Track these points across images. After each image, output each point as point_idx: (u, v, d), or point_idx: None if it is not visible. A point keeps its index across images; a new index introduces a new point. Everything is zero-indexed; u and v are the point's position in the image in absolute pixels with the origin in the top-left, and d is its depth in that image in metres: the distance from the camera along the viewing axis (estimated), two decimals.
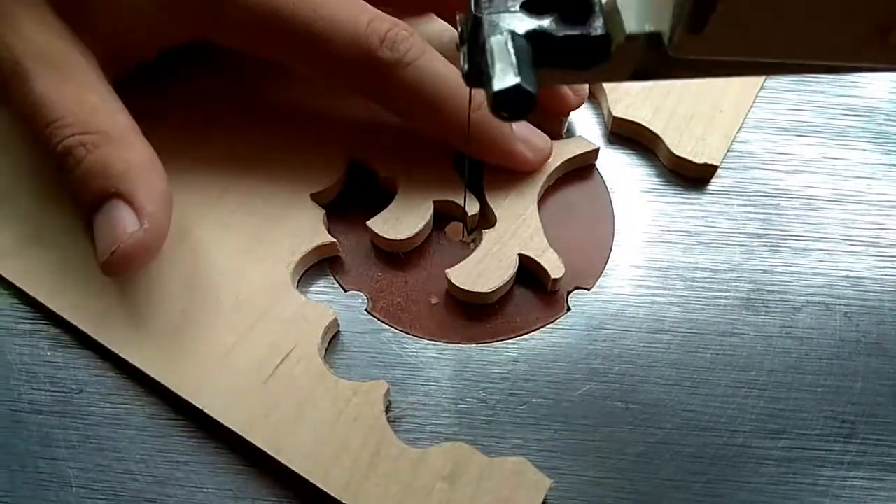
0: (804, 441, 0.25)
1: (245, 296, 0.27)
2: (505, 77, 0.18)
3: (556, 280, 0.27)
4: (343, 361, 0.26)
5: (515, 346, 0.27)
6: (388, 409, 0.25)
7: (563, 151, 0.30)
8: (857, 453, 0.25)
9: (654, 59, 0.19)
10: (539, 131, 0.30)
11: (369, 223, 0.28)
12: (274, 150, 0.30)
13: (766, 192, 0.31)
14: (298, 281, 0.28)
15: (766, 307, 0.28)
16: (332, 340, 0.27)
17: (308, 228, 0.28)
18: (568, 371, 0.26)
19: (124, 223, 0.24)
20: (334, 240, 0.28)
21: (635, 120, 0.31)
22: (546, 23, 0.20)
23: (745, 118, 0.32)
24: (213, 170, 0.29)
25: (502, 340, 0.27)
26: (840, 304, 0.28)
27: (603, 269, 0.29)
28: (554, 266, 0.27)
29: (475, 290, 0.27)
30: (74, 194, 0.26)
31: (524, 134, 0.29)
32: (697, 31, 0.18)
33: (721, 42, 0.18)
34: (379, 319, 0.27)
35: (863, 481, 0.24)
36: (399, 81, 0.27)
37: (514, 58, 0.18)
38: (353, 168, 0.30)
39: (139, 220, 0.25)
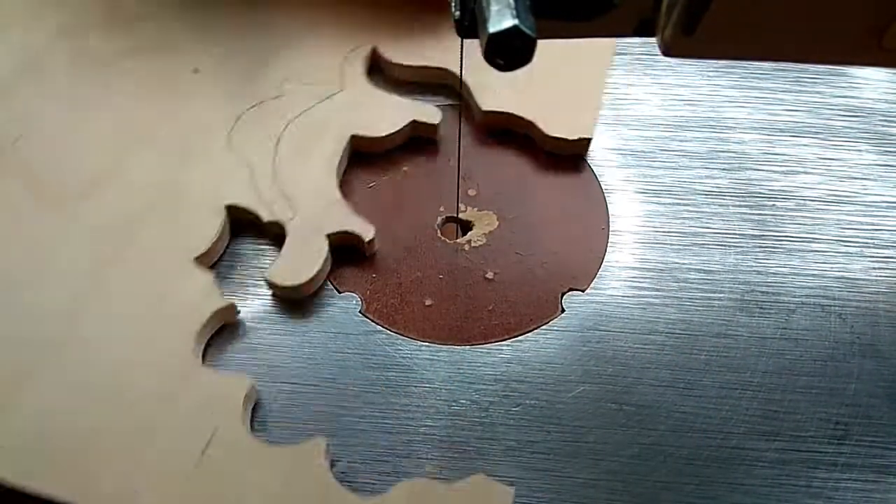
0: (798, 443, 0.25)
1: (148, 388, 0.24)
2: (502, 19, 0.17)
3: (370, 242, 0.28)
4: (337, 363, 0.26)
5: (509, 348, 0.27)
6: (332, 465, 0.24)
7: (398, 116, 0.31)
8: (850, 455, 0.25)
9: (659, 15, 0.18)
10: None
11: (267, 276, 0.27)
12: (138, 219, 0.28)
13: (760, 193, 0.31)
14: (204, 353, 0.26)
15: (761, 308, 0.28)
16: (326, 342, 0.27)
17: (199, 296, 0.26)
18: (561, 373, 0.26)
19: None
20: (231, 302, 0.26)
21: (506, 111, 0.32)
22: None
23: (603, 88, 0.33)
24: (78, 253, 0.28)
25: (496, 342, 0.27)
26: (835, 306, 0.28)
27: (597, 271, 0.29)
28: (363, 228, 0.28)
29: (294, 284, 0.27)
30: None
31: None
32: (689, 34, 0.18)
33: (713, 43, 0.18)
34: (373, 321, 0.27)
35: (856, 483, 0.24)
36: None
37: (512, 0, 0.17)
38: (234, 219, 0.29)
39: None
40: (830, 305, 0.28)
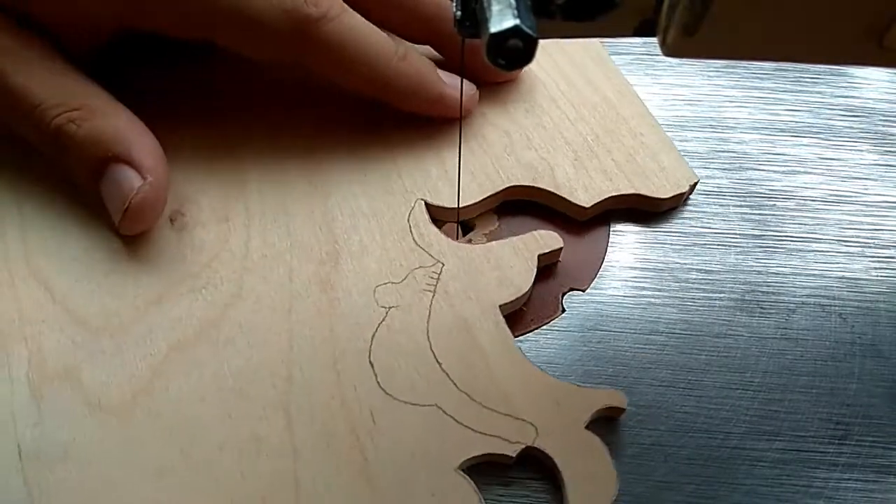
0: (799, 443, 0.25)
1: None
2: (503, 19, 0.17)
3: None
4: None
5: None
6: None
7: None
8: (851, 455, 0.25)
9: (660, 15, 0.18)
10: (465, 80, 0.29)
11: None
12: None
13: (761, 193, 0.31)
14: None
15: (761, 308, 0.28)
16: None
17: None
18: (562, 373, 0.26)
19: (129, 182, 0.26)
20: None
21: (604, 197, 0.29)
22: None
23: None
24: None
25: None
26: (835, 306, 0.28)
27: (598, 271, 0.29)
28: (611, 399, 0.25)
29: None
30: (73, 171, 0.27)
31: (450, 80, 0.29)
32: (690, 34, 0.18)
33: (714, 43, 0.18)
34: None
35: (857, 483, 0.24)
36: (324, 37, 0.27)
37: (513, 0, 0.17)
38: None
39: (142, 175, 0.26)
40: (831, 305, 0.28)
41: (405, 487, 0.23)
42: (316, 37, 0.27)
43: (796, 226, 0.30)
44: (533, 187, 0.29)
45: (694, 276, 0.28)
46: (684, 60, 0.33)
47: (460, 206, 0.28)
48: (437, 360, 0.25)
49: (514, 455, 0.23)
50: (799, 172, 0.31)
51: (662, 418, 0.25)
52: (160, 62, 0.32)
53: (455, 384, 0.24)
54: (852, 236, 0.29)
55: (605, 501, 0.23)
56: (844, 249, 0.29)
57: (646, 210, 0.30)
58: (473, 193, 0.29)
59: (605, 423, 0.25)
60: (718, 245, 0.29)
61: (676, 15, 0.17)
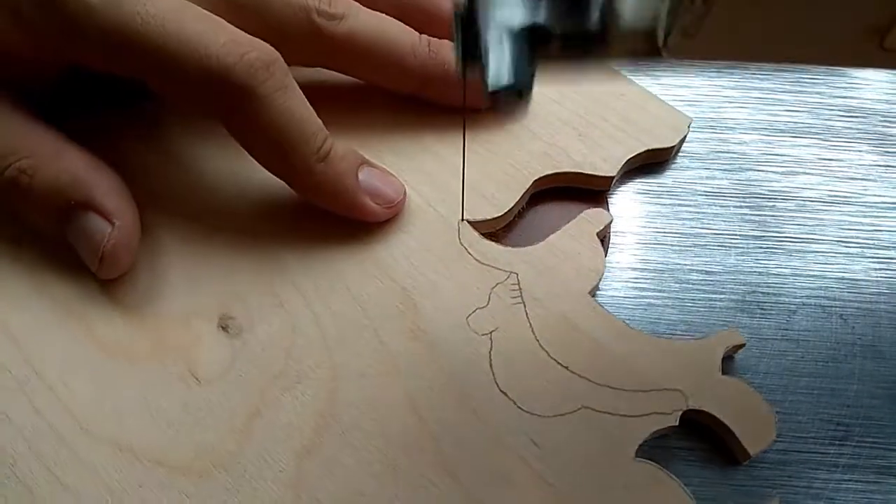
0: (799, 444, 0.25)
1: None
2: (499, 76, 0.18)
3: None
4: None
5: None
6: None
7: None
8: (852, 456, 0.25)
9: (652, 48, 0.19)
10: (392, 180, 0.28)
11: None
12: None
13: (761, 194, 0.31)
14: None
15: (762, 309, 0.28)
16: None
17: None
18: None
19: (98, 230, 0.25)
20: None
21: (625, 160, 0.30)
22: (541, 16, 0.19)
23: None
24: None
25: None
26: (836, 307, 0.28)
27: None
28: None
29: None
30: (35, 221, 0.26)
31: (373, 186, 0.27)
32: (691, 36, 0.18)
33: (714, 45, 0.18)
34: None
35: (858, 484, 0.24)
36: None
37: (508, 55, 0.18)
38: None
39: (108, 221, 0.25)
40: (831, 306, 0.28)
41: (597, 494, 0.23)
42: (246, 108, 0.24)
43: (796, 227, 0.30)
44: (558, 173, 0.29)
45: (694, 277, 0.28)
46: (684, 61, 0.33)
47: (502, 214, 0.28)
48: (563, 365, 0.25)
49: (677, 423, 0.24)
50: (798, 173, 0.31)
51: None
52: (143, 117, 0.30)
53: (590, 380, 0.24)
54: (852, 237, 0.29)
55: (770, 433, 0.24)
56: (844, 250, 0.29)
57: (656, 161, 0.31)
58: (508, 198, 0.28)
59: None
60: (719, 246, 0.29)
61: (677, 17, 0.17)
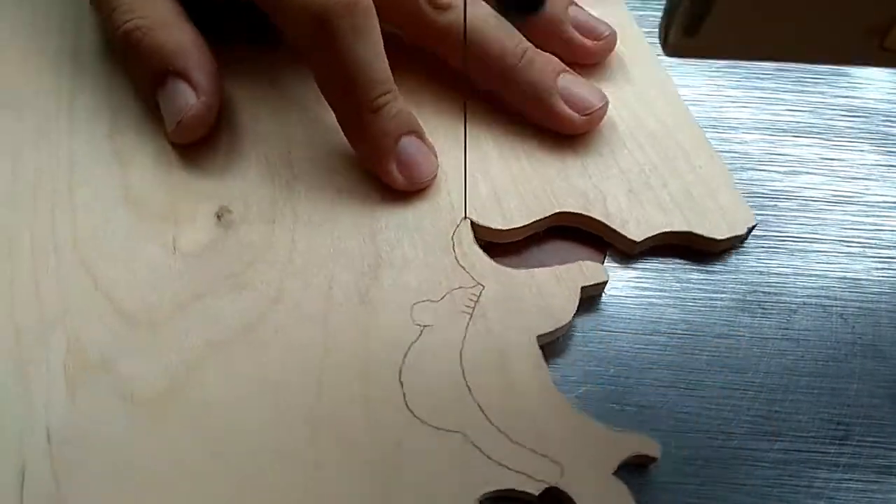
0: (800, 443, 0.25)
1: None
2: None
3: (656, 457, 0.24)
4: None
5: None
6: None
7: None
8: (852, 455, 0.25)
9: None
10: (430, 160, 0.28)
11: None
12: None
13: (762, 193, 0.31)
14: None
15: (763, 309, 0.28)
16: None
17: None
18: (563, 373, 0.26)
19: (184, 98, 0.28)
20: None
21: (657, 231, 0.28)
22: None
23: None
24: None
25: None
26: (836, 306, 0.28)
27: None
28: (643, 446, 0.24)
29: None
30: (135, 75, 0.30)
31: (409, 155, 0.28)
32: (692, 34, 0.18)
33: (715, 44, 0.18)
34: None
35: (858, 483, 0.24)
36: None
37: None
38: None
39: (196, 94, 0.28)
40: (832, 306, 0.28)
41: None
42: (319, 37, 0.27)
43: (797, 226, 0.30)
44: (583, 215, 0.28)
45: (695, 277, 0.28)
46: (685, 60, 0.33)
47: (506, 229, 0.28)
48: (468, 387, 0.24)
49: (537, 493, 0.23)
50: (800, 173, 0.31)
51: (663, 419, 0.25)
52: (260, 41, 0.33)
53: (484, 414, 0.24)
54: (853, 237, 0.29)
55: None
56: (846, 250, 0.29)
57: (699, 249, 0.29)
58: (520, 217, 0.28)
59: (606, 423, 0.25)
60: None
61: (677, 15, 0.17)
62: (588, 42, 0.31)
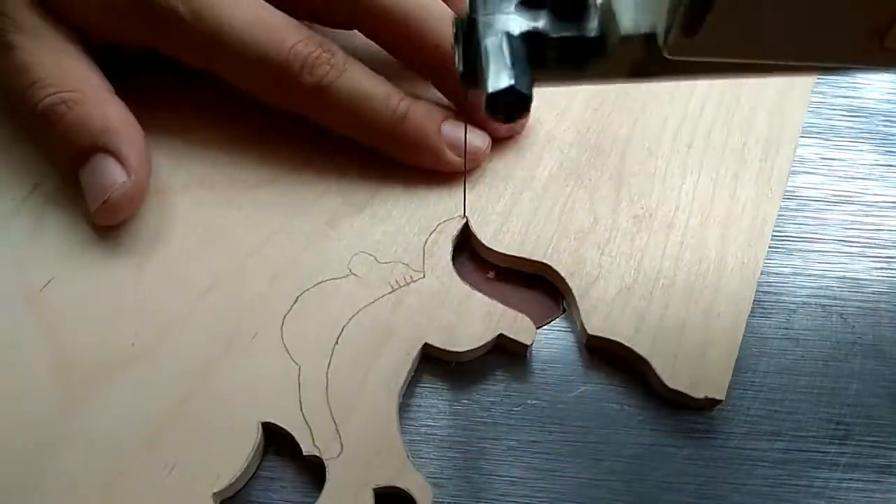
0: (800, 443, 0.25)
1: None
2: (499, 79, 0.18)
3: None
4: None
5: None
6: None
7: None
8: (852, 455, 0.25)
9: (651, 58, 0.19)
10: (478, 131, 0.29)
11: None
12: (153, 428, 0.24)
13: None
14: None
15: (762, 308, 0.28)
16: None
17: None
18: (563, 373, 0.26)
19: (113, 175, 0.26)
20: None
21: (614, 338, 0.26)
22: (541, 24, 0.19)
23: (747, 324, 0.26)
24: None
25: None
26: (836, 306, 0.28)
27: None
28: (419, 489, 0.23)
29: None
30: (56, 151, 0.28)
31: (453, 136, 0.29)
32: (692, 34, 0.18)
33: (716, 44, 0.18)
34: None
35: (858, 483, 0.24)
36: (319, 96, 0.27)
37: (508, 59, 0.18)
38: (269, 433, 0.24)
39: (126, 172, 0.27)
40: (832, 305, 0.28)
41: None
42: (318, 101, 0.27)
43: (797, 226, 0.30)
44: (563, 280, 0.27)
45: None
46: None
47: (487, 247, 0.28)
48: (336, 342, 0.25)
49: (306, 454, 0.23)
50: (800, 172, 0.31)
51: (663, 418, 0.25)
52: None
53: (327, 374, 0.25)
54: (853, 236, 0.29)
55: None
56: (845, 249, 0.29)
57: (652, 390, 0.26)
58: (510, 245, 0.28)
59: (602, 426, 0.25)
60: None
61: (677, 15, 0.17)
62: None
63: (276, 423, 0.24)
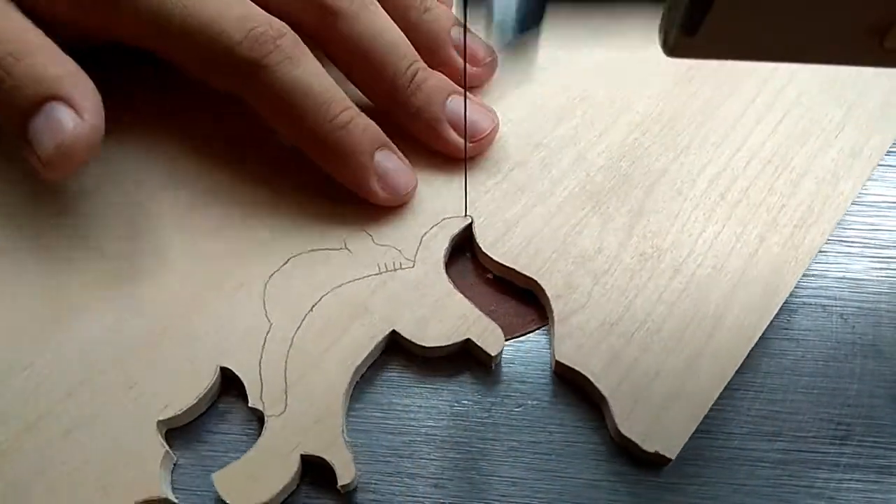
0: (800, 443, 0.25)
1: None
2: (506, 19, 0.19)
3: (345, 485, 0.23)
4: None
5: (511, 348, 0.27)
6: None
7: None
8: (852, 455, 0.25)
9: None
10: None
11: (214, 478, 0.23)
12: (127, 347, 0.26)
13: None
14: None
15: None
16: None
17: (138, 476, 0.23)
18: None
19: (66, 120, 0.25)
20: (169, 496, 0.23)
21: (579, 369, 0.25)
22: None
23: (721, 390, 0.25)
24: None
25: None
26: (836, 306, 0.28)
27: None
28: (344, 466, 0.23)
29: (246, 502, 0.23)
30: (6, 107, 0.25)
31: (384, 168, 0.28)
32: (692, 34, 0.18)
33: (715, 44, 0.18)
34: None
35: (859, 483, 0.24)
36: (263, 81, 0.26)
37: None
38: (226, 378, 0.26)
39: (80, 116, 0.25)
40: (832, 306, 0.28)
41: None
42: (255, 79, 0.26)
43: None
44: (549, 301, 0.27)
45: None
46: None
47: (487, 255, 0.28)
48: (311, 309, 0.26)
49: (251, 405, 0.24)
50: None
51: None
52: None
53: (294, 335, 0.26)
54: (853, 236, 0.29)
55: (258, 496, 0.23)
56: (845, 250, 0.29)
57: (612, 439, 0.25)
58: (505, 254, 0.28)
59: (600, 425, 0.25)
60: None
61: (677, 15, 0.17)
62: (470, 67, 0.29)
63: (233, 370, 0.25)
